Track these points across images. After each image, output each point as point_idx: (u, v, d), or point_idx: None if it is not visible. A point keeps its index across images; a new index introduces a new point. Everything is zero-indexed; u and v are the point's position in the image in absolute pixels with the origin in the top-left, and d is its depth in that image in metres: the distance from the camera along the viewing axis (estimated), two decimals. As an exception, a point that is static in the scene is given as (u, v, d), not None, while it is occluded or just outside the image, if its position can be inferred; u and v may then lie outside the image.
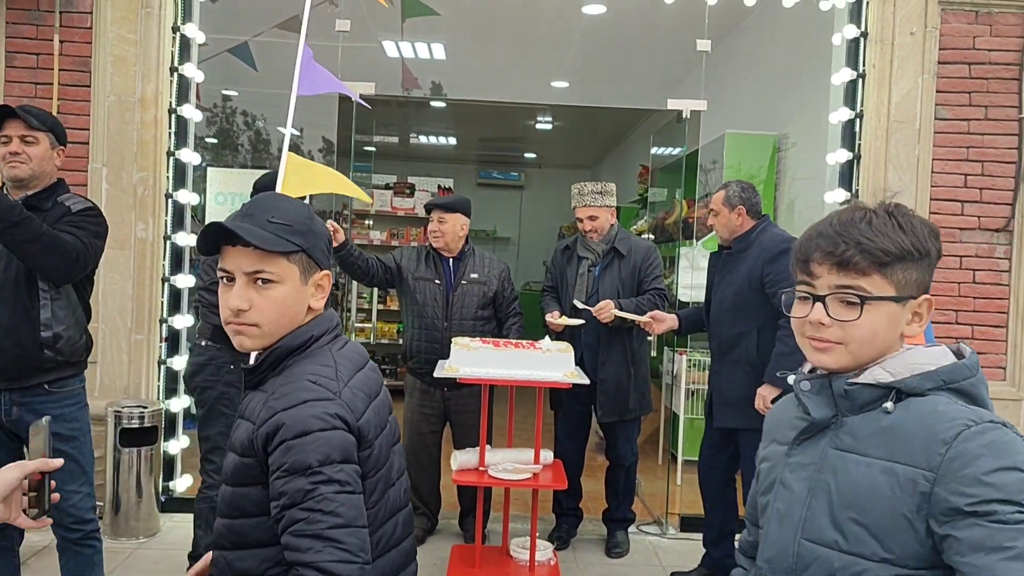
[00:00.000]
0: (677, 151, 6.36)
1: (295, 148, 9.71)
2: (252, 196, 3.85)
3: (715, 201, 3.87)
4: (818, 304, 1.32)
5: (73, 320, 2.91)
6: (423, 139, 12.46)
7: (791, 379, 1.38)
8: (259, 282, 1.47)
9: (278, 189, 2.67)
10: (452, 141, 12.63)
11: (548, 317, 4.28)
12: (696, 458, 4.18)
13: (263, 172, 4.06)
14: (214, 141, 8.44)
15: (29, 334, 2.81)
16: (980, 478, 1.15)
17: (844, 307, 1.30)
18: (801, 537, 1.32)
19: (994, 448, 1.17)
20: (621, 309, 4.13)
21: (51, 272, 2.79)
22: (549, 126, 11.07)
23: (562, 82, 8.54)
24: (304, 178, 2.70)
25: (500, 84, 8.59)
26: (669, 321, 4.07)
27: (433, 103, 9.54)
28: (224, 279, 1.49)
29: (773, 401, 3.61)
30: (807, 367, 1.41)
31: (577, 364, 3.85)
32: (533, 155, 13.65)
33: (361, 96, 4.86)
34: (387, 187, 9.00)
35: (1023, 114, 4.64)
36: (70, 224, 2.80)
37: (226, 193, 4.97)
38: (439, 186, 9.33)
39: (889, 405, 1.28)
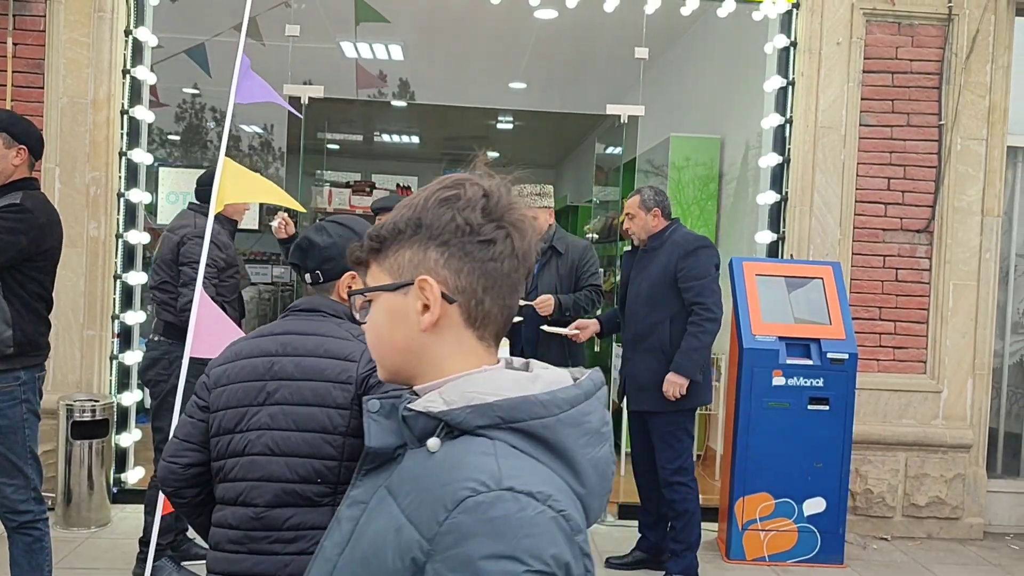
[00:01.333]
0: (621, 152, 6.57)
1: (265, 144, 9.81)
2: (196, 191, 4.01)
3: (631, 205, 4.11)
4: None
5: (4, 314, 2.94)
6: (387, 138, 12.59)
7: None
8: None
9: (213, 194, 2.80)
10: (416, 140, 12.77)
11: None
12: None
13: (203, 170, 4.20)
14: (176, 138, 8.56)
15: None
16: (468, 563, 0.86)
17: (365, 309, 1.09)
18: None
19: (496, 527, 0.86)
20: (560, 305, 4.31)
21: None
22: (511, 126, 11.25)
23: (520, 83, 8.73)
24: (240, 185, 2.85)
25: (459, 85, 8.77)
26: (592, 326, 4.28)
27: (394, 103, 9.68)
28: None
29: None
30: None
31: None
32: (497, 154, 13.83)
33: (310, 98, 5.03)
34: (347, 185, 9.11)
35: (942, 121, 4.88)
36: None
37: (178, 192, 5.10)
38: (398, 184, 9.46)
39: (433, 443, 0.96)
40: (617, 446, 6.06)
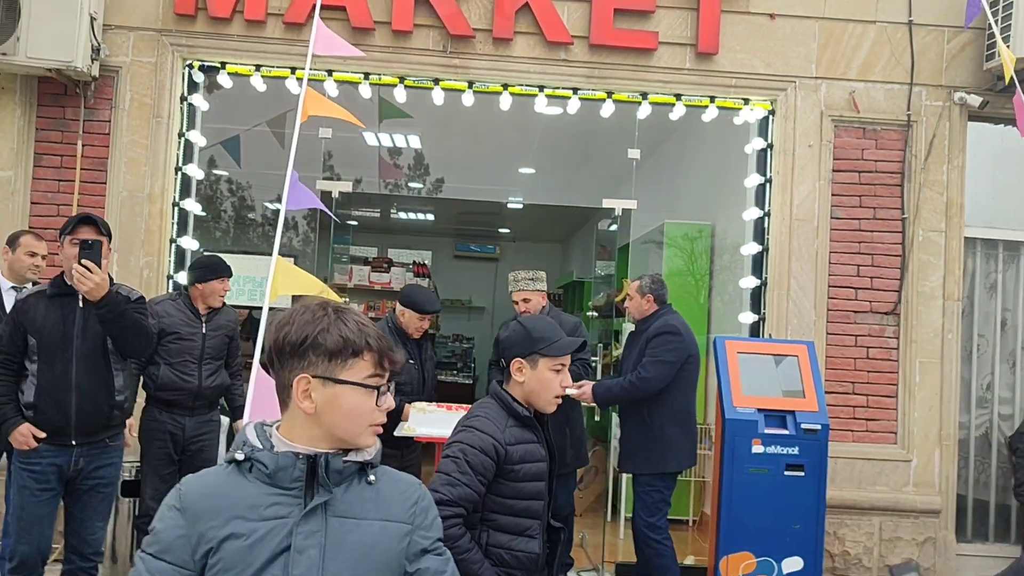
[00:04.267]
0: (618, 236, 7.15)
1: (290, 220, 10.41)
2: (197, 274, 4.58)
3: (631, 288, 4.70)
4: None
5: (132, 387, 3.71)
6: (403, 215, 13.24)
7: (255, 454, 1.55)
8: None
9: (267, 292, 3.35)
10: (430, 217, 13.42)
11: (492, 386, 4.99)
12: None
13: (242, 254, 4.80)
14: (203, 214, 9.19)
15: (105, 399, 3.54)
16: (433, 523, 1.63)
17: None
18: None
19: (431, 500, 1.67)
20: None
21: (134, 350, 3.61)
22: (521, 205, 11.89)
23: (529, 169, 9.37)
24: (288, 280, 3.41)
25: (473, 170, 9.41)
26: (587, 388, 4.81)
27: (412, 183, 10.34)
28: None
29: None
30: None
31: None
32: (507, 230, 14.44)
33: (340, 192, 5.63)
34: (366, 262, 9.72)
35: (905, 215, 5.43)
36: (136, 311, 3.55)
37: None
38: (414, 261, 10.06)
39: (373, 476, 1.62)
40: (618, 509, 6.49)
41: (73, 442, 3.49)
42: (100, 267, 3.34)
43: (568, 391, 4.72)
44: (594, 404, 4.69)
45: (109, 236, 3.56)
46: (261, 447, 1.55)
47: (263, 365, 1.64)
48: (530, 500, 2.55)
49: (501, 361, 2.57)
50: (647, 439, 4.47)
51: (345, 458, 1.58)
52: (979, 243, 5.66)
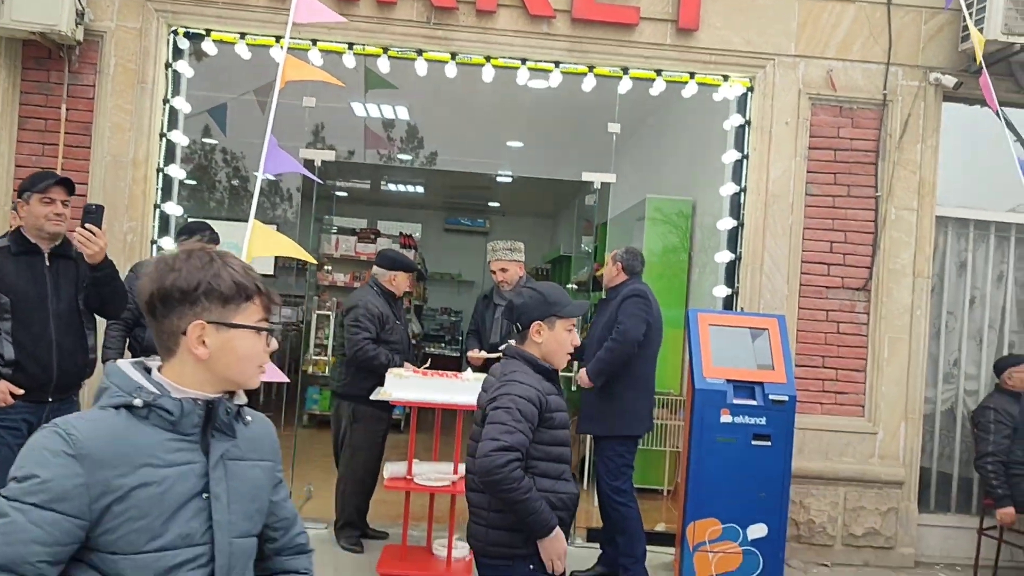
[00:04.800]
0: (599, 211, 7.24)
1: (273, 186, 10.49)
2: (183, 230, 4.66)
3: (609, 256, 4.82)
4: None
5: (97, 346, 3.77)
6: (392, 187, 13.29)
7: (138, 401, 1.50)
8: None
9: (244, 252, 3.44)
10: (420, 189, 13.47)
11: (469, 353, 5.10)
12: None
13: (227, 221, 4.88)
14: (191, 182, 9.25)
15: (82, 357, 3.65)
16: (279, 454, 1.76)
17: None
18: (231, 538, 1.57)
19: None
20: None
21: (114, 311, 3.75)
22: (509, 178, 11.94)
23: (517, 143, 9.42)
24: (265, 242, 3.49)
25: (462, 142, 9.46)
26: (583, 375, 4.91)
27: (401, 157, 10.38)
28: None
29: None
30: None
31: None
32: (497, 204, 14.51)
33: (322, 161, 5.70)
34: (353, 232, 9.78)
35: (879, 193, 5.53)
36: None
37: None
38: (401, 232, 10.12)
39: (249, 417, 1.66)
40: (593, 477, 6.63)
41: (50, 399, 3.57)
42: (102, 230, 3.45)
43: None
44: (592, 385, 4.74)
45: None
46: (159, 393, 1.52)
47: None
48: (563, 446, 2.79)
49: (517, 325, 2.77)
50: (607, 403, 4.62)
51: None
52: (950, 222, 5.77)
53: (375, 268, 5.21)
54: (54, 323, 3.53)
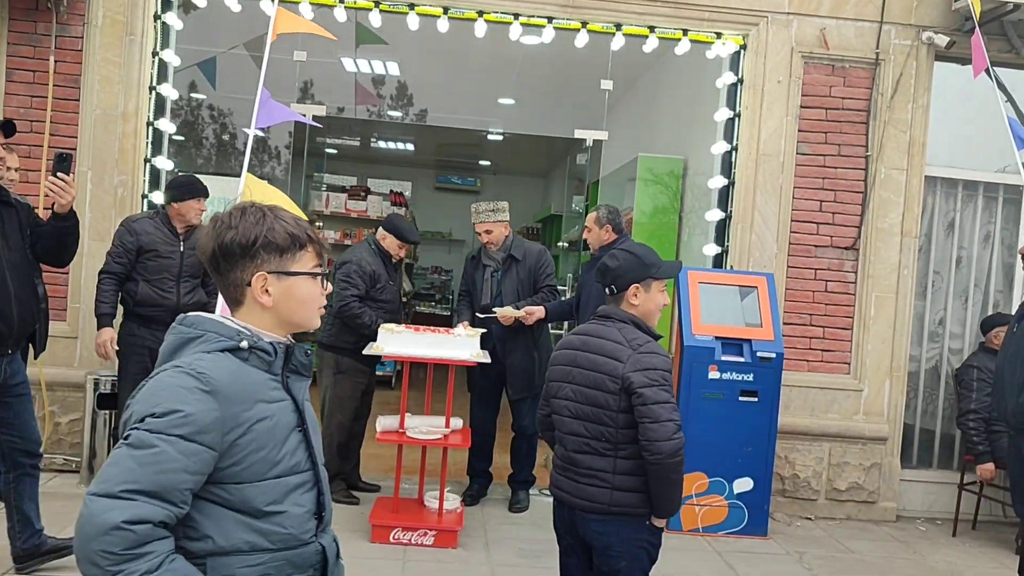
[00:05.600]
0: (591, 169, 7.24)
1: (262, 143, 10.46)
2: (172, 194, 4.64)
3: (589, 220, 4.82)
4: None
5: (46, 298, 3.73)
6: (383, 144, 13.21)
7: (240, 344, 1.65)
8: None
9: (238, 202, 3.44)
10: (411, 147, 13.39)
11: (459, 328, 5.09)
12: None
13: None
14: (181, 138, 9.19)
15: (34, 306, 3.60)
16: None
17: None
18: (321, 464, 1.80)
19: None
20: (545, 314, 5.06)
21: (69, 259, 3.66)
22: (500, 136, 11.88)
23: (509, 100, 9.37)
24: (259, 196, 3.49)
25: (453, 98, 9.40)
26: (537, 312, 5.01)
27: (391, 114, 10.31)
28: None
29: None
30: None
31: (490, 351, 4.74)
32: (488, 163, 14.44)
33: (313, 116, 5.67)
34: (343, 189, 9.75)
35: (869, 152, 5.55)
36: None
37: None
38: (391, 190, 10.09)
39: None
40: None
41: (10, 351, 3.52)
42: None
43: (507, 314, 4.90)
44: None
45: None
46: (259, 337, 1.66)
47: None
48: None
49: (611, 288, 2.74)
50: None
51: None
52: (939, 182, 5.80)
53: (379, 228, 5.28)
54: (10, 274, 3.43)
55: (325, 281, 1.76)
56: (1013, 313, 5.42)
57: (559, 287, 6.81)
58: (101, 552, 1.40)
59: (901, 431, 5.66)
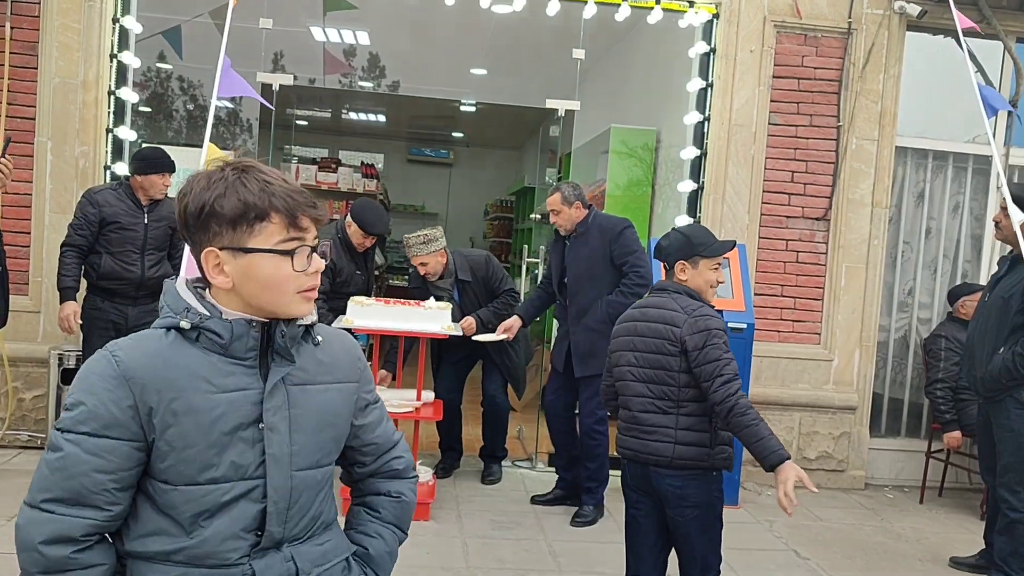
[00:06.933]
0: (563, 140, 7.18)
1: (235, 117, 10.29)
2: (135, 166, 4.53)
3: (552, 203, 4.67)
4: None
5: None
6: (354, 115, 13.03)
7: (184, 323, 1.39)
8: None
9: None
10: (382, 118, 13.23)
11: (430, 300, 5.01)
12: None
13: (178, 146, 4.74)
14: (146, 110, 9.01)
15: None
16: (369, 376, 1.63)
17: None
18: (292, 471, 1.44)
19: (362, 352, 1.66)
20: (481, 321, 5.00)
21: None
22: (473, 107, 11.76)
23: (481, 70, 9.26)
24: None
25: (424, 69, 9.28)
26: (515, 324, 4.94)
27: (362, 82, 10.16)
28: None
29: None
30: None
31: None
32: (461, 135, 14.31)
33: (280, 85, 5.56)
34: (313, 162, 9.62)
35: (840, 123, 5.54)
36: None
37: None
38: (362, 162, 9.97)
39: (320, 337, 1.53)
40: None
41: None
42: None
43: (491, 337, 4.87)
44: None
45: None
46: (208, 314, 1.40)
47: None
48: None
49: (665, 264, 2.97)
50: (604, 343, 4.53)
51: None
52: (910, 152, 5.82)
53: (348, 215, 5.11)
54: None
55: (307, 259, 1.43)
56: (981, 283, 5.49)
57: (534, 259, 6.81)
58: (25, 569, 1.34)
59: (870, 400, 5.71)
